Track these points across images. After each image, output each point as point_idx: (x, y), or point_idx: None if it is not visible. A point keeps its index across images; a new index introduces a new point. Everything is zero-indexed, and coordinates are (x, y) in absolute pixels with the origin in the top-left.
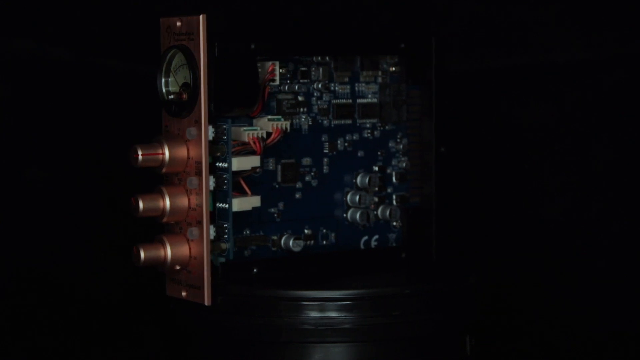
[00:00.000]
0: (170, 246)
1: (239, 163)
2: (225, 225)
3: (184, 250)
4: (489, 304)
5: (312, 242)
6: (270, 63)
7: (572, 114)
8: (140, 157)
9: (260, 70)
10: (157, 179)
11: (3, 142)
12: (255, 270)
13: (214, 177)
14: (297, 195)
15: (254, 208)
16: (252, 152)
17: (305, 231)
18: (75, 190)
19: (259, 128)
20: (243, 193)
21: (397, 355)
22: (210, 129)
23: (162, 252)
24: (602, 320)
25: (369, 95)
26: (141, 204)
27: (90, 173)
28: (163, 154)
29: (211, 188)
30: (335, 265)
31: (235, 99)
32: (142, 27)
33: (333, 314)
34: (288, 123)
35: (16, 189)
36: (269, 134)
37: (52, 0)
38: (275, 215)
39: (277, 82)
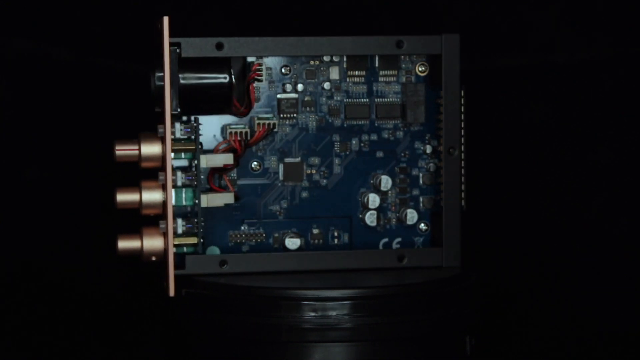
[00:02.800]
0: (145, 238)
1: (208, 160)
2: (196, 220)
3: (159, 242)
4: (489, 304)
5: (321, 241)
6: (255, 62)
7: (572, 114)
8: (115, 151)
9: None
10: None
11: (3, 142)
12: (225, 266)
13: (183, 173)
14: (304, 194)
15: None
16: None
17: (314, 231)
18: (75, 190)
19: (246, 126)
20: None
21: (397, 355)
22: (178, 127)
23: (137, 243)
24: (602, 320)
25: (390, 95)
26: (116, 197)
27: (90, 173)
28: (138, 149)
29: (179, 184)
30: (332, 265)
31: (206, 98)
32: (143, 27)
33: (333, 314)
34: (275, 122)
35: (16, 188)
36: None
37: (52, 0)
38: (277, 213)
39: (263, 81)
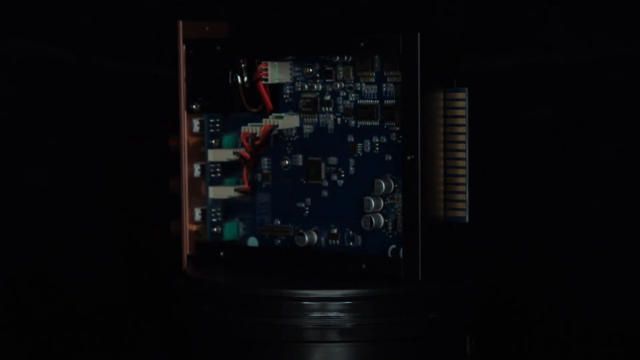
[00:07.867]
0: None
1: (214, 155)
2: (213, 210)
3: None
4: (489, 304)
5: (337, 241)
6: (262, 62)
7: (572, 114)
8: (168, 143)
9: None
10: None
11: (3, 142)
12: (222, 253)
13: (199, 165)
14: (324, 194)
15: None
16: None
17: (332, 231)
18: (75, 190)
19: (262, 125)
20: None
21: (397, 355)
22: (196, 122)
23: (179, 227)
24: (602, 320)
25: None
26: (170, 183)
27: (90, 173)
28: (179, 142)
29: (196, 175)
30: (334, 265)
31: (210, 96)
32: (143, 27)
33: (333, 314)
34: (281, 120)
35: (15, 188)
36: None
37: (52, 0)
38: (301, 210)
39: (268, 81)
